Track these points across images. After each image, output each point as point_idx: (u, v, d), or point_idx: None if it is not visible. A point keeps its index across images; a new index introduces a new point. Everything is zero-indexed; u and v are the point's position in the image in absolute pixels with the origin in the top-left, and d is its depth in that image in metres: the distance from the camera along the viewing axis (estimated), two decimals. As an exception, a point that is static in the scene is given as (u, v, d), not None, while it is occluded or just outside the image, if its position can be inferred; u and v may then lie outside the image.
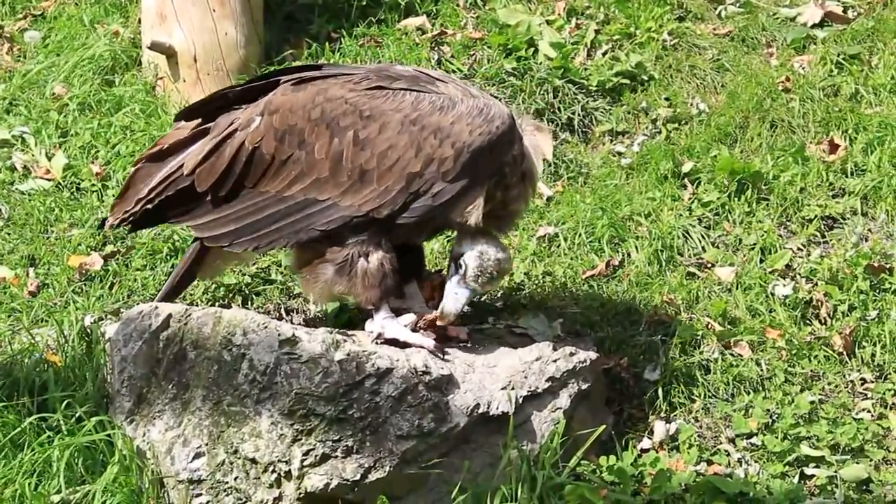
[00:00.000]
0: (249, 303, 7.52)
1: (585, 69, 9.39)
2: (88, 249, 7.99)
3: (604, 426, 6.32)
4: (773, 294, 7.33)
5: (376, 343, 6.20)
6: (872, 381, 6.88)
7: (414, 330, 6.31)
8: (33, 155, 8.86)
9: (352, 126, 6.12)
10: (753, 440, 6.58)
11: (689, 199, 8.13)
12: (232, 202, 6.37)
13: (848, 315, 7.17)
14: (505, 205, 6.27)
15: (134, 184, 6.66)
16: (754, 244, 7.71)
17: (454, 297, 6.25)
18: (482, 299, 7.31)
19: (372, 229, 6.16)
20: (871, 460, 6.47)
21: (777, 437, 6.51)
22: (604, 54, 9.60)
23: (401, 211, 6.10)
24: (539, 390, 6.26)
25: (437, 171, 6.04)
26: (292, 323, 6.92)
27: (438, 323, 6.30)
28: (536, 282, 7.52)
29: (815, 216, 7.89)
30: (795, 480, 6.38)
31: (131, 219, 6.66)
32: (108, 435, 6.29)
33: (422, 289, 6.64)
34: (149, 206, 6.55)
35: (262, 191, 6.30)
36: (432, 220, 6.23)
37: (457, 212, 6.12)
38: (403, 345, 6.21)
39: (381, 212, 6.10)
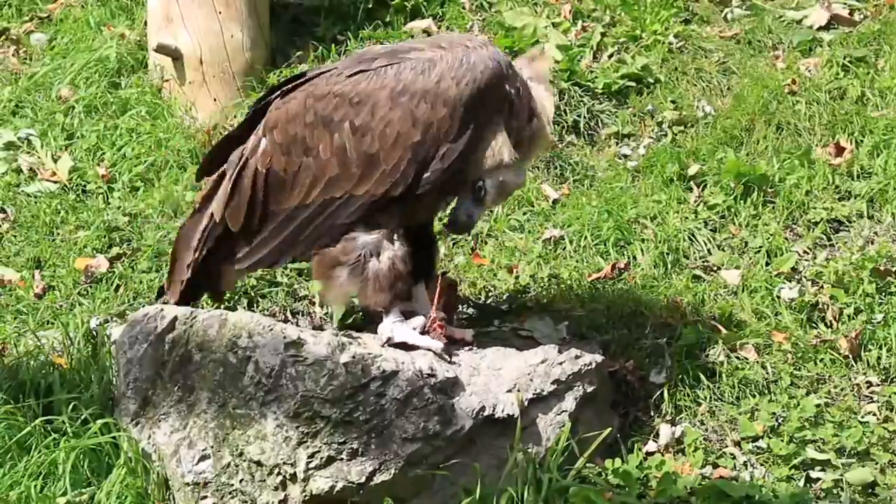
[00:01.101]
0: (255, 305, 7.52)
1: (591, 72, 9.38)
2: (94, 252, 7.99)
3: (609, 429, 6.33)
4: (779, 297, 7.32)
5: (384, 346, 6.21)
6: (878, 385, 6.88)
7: (423, 332, 6.31)
8: (39, 157, 8.86)
9: (346, 117, 6.13)
10: (759, 443, 6.57)
11: (695, 201, 8.12)
12: (262, 227, 6.40)
13: (854, 318, 7.16)
14: (520, 132, 6.26)
15: (179, 256, 6.71)
16: (760, 247, 7.70)
17: (468, 213, 6.32)
18: (488, 302, 7.32)
19: (391, 212, 6.18)
20: (876, 463, 6.47)
21: (783, 441, 6.51)
22: (610, 57, 9.59)
23: (416, 182, 6.11)
24: (544, 393, 6.27)
25: (438, 133, 6.04)
26: (298, 325, 6.93)
27: (447, 231, 6.55)
28: (542, 284, 7.52)
29: (822, 219, 7.89)
30: (801, 484, 6.37)
31: (187, 288, 6.70)
32: (114, 437, 6.31)
33: (428, 291, 6.64)
34: (197, 266, 6.61)
35: (285, 208, 6.31)
36: (453, 178, 6.20)
37: (483, 157, 6.13)
38: (412, 348, 6.22)
39: (395, 189, 6.11)
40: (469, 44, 6.20)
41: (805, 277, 7.48)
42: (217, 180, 6.61)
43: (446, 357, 6.20)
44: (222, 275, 6.72)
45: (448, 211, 6.50)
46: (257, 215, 6.37)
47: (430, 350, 6.20)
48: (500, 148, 6.12)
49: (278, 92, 6.48)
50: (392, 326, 6.27)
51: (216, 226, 6.50)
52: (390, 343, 6.23)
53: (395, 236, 6.22)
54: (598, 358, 6.53)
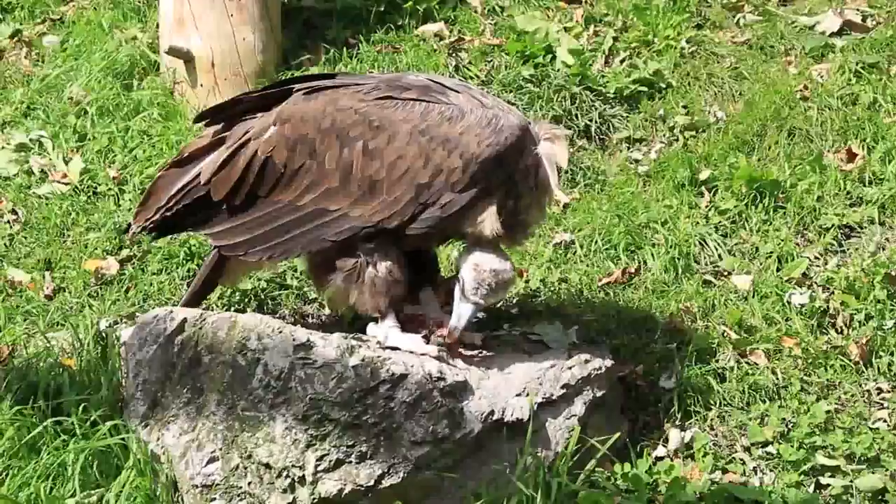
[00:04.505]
0: (265, 308, 7.52)
1: (603, 76, 9.38)
2: (104, 253, 8.00)
3: (619, 434, 6.33)
4: (789, 303, 7.31)
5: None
6: (889, 391, 6.86)
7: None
8: (51, 159, 8.87)
9: (361, 136, 6.13)
10: (769, 449, 6.56)
11: (706, 206, 8.11)
12: (247, 211, 6.40)
13: (864, 324, 7.14)
14: (516, 214, 6.20)
15: (155, 192, 6.69)
16: (771, 252, 7.69)
17: (456, 314, 6.23)
18: (498, 305, 7.31)
19: (381, 238, 6.17)
20: (886, 470, 6.44)
21: (792, 446, 6.49)
22: (622, 62, 9.59)
23: (410, 221, 6.10)
24: (554, 397, 6.26)
25: (446, 181, 6.03)
26: (307, 328, 6.92)
27: (448, 341, 6.28)
28: (552, 289, 7.52)
29: (833, 225, 7.87)
30: (811, 490, 6.36)
31: (151, 227, 6.70)
32: (123, 439, 6.30)
33: (437, 294, 6.63)
34: (167, 213, 6.59)
35: (275, 200, 6.32)
36: (443, 230, 6.23)
37: (468, 222, 6.12)
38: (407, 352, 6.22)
39: (390, 222, 6.11)
40: (503, 108, 6.23)
41: (816, 283, 7.46)
42: (214, 142, 6.59)
43: (445, 360, 6.18)
44: (225, 268, 6.77)
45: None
46: (242, 195, 6.38)
47: (424, 354, 6.18)
48: (485, 220, 6.11)
49: (305, 85, 6.48)
50: (388, 332, 6.27)
51: (199, 187, 6.50)
52: (381, 346, 6.22)
53: (391, 248, 6.22)
54: (608, 362, 6.53)
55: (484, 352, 6.46)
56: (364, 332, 6.40)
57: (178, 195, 6.55)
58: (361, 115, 6.16)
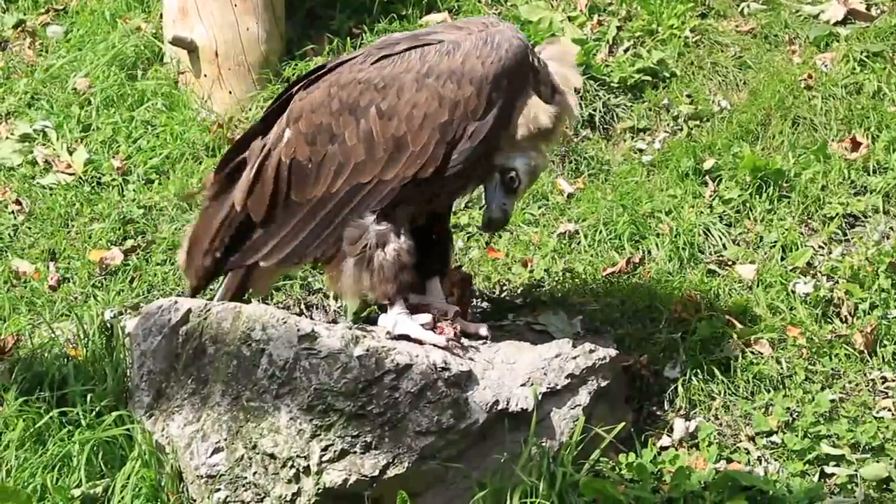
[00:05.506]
0: (269, 298, 7.52)
1: (607, 66, 9.37)
2: (109, 244, 8.00)
3: (623, 423, 6.32)
4: (794, 292, 7.30)
5: (386, 336, 6.21)
6: (893, 380, 6.86)
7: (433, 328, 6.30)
8: (55, 149, 8.88)
9: (371, 102, 6.13)
10: (773, 438, 6.56)
11: (711, 196, 8.11)
12: (287, 220, 6.38)
13: (869, 313, 7.14)
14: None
15: (197, 240, 6.67)
16: (775, 242, 7.69)
17: (503, 208, 6.34)
18: (502, 296, 7.32)
19: (414, 198, 6.18)
20: (891, 459, 6.44)
21: (797, 436, 6.50)
22: (626, 51, 9.58)
23: (445, 162, 6.10)
24: (558, 387, 6.26)
25: (465, 111, 6.04)
26: (312, 318, 6.93)
27: (485, 231, 6.49)
28: (556, 279, 7.52)
29: (837, 214, 7.87)
30: (815, 479, 6.36)
31: (209, 276, 6.70)
32: (128, 429, 6.31)
33: (443, 285, 6.63)
34: (217, 254, 6.58)
35: (309, 198, 6.30)
36: (482, 159, 6.20)
37: (512, 132, 6.15)
38: (416, 342, 6.21)
39: (426, 170, 6.10)
40: (489, 24, 6.24)
41: (820, 272, 7.46)
42: (236, 166, 6.58)
43: (455, 351, 6.17)
44: (252, 276, 6.71)
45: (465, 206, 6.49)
46: (280, 206, 6.36)
47: (433, 345, 6.17)
48: (535, 113, 6.13)
49: (299, 84, 6.48)
50: (396, 318, 6.25)
51: (237, 214, 6.48)
52: (390, 335, 6.22)
53: (402, 230, 6.21)
54: (612, 352, 6.52)
55: (488, 342, 6.46)
56: (369, 323, 6.40)
57: (219, 232, 6.54)
58: (364, 82, 6.17)
